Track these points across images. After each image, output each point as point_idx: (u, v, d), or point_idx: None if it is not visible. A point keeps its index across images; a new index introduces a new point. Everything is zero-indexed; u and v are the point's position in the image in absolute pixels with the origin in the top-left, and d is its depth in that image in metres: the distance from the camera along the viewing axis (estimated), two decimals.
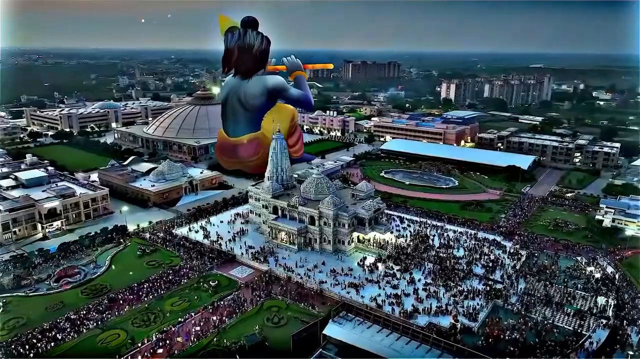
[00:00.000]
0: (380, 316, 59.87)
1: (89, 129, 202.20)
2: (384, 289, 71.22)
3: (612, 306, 66.90)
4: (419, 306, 66.28)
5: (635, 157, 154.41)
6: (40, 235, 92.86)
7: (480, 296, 68.90)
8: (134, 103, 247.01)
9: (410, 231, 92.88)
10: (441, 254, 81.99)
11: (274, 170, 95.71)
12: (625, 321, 63.41)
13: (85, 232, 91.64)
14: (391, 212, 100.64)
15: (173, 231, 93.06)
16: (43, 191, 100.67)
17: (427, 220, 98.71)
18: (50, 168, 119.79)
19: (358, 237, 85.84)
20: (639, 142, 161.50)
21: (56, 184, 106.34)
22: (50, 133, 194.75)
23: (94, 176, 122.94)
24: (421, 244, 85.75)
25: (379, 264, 78.58)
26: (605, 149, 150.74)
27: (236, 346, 57.93)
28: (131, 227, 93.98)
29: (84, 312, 64.58)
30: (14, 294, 70.62)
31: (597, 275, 75.72)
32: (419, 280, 73.67)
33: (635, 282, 74.67)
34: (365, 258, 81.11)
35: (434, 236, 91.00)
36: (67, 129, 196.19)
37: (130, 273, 76.69)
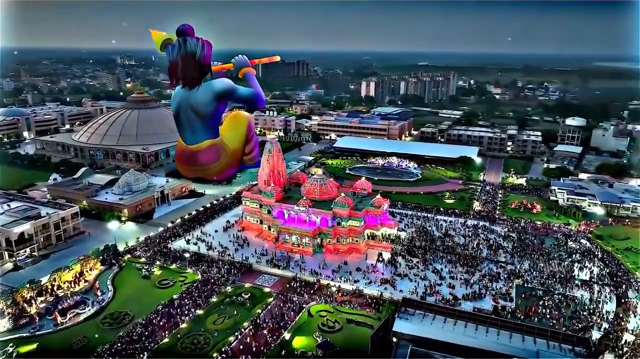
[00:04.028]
0: (444, 308, 62.39)
1: None
2: (415, 281, 73.99)
3: (607, 274, 76.94)
4: (456, 294, 70.08)
5: (553, 144, 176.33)
6: (10, 265, 79.81)
7: (503, 278, 74.77)
8: (42, 109, 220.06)
9: (406, 224, 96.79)
10: (446, 243, 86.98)
11: (270, 173, 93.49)
12: (624, 286, 73.27)
13: (63, 257, 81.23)
14: None
15: (169, 245, 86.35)
16: (1, 214, 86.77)
17: (417, 212, 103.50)
18: None
19: (367, 234, 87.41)
20: (556, 131, 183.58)
21: (8, 205, 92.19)
22: None
23: (40, 193, 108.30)
24: (425, 236, 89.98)
25: (398, 259, 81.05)
26: (532, 138, 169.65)
27: (307, 355, 56.58)
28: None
29: (120, 344, 58.01)
30: (16, 336, 60.82)
31: (583, 246, 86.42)
32: (441, 269, 77.67)
33: (611, 251, 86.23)
34: (381, 254, 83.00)
35: (430, 226, 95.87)
36: None
37: (144, 295, 70.24)
